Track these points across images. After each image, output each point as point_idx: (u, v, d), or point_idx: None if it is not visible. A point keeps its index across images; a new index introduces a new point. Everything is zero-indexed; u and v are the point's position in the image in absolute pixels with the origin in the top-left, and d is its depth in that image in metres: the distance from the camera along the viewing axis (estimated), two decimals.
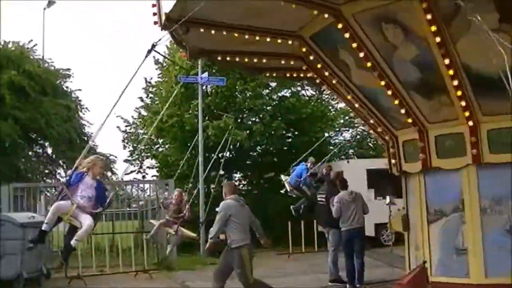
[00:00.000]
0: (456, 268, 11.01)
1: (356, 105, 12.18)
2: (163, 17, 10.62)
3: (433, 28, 9.58)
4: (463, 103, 10.35)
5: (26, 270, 15.21)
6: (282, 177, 21.39)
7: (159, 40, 10.23)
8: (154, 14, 11.03)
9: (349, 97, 12.15)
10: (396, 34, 10.17)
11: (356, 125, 32.28)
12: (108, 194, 10.81)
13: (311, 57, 12.33)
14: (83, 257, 18.18)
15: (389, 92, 10.87)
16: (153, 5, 11.05)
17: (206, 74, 23.79)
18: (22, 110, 24.02)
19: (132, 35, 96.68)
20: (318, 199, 16.06)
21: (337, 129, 32.49)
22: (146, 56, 9.80)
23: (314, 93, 31.26)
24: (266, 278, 16.49)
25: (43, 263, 16.38)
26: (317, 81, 14.04)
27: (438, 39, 9.69)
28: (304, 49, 12.08)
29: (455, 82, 10.10)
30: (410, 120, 11.24)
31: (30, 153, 27.65)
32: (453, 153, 10.94)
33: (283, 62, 13.56)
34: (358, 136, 33.79)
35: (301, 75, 14.50)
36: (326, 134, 29.84)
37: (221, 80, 24.63)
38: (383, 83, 10.87)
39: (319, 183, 17.85)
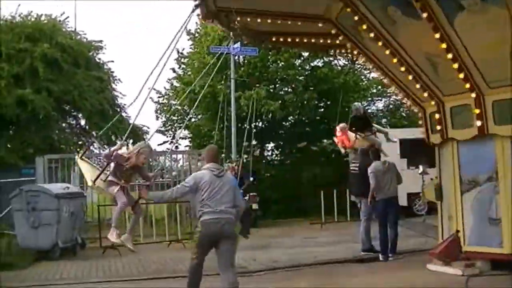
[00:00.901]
0: (489, 238, 10.96)
1: (402, 69, 11.80)
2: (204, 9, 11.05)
3: None
4: None
5: (61, 240, 15.42)
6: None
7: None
8: (196, 6, 11.33)
9: (394, 60, 11.79)
10: None
11: (389, 94, 32.07)
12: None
13: (356, 18, 12.08)
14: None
15: (449, 56, 10.49)
16: None
17: (238, 45, 23.74)
18: (55, 82, 24.17)
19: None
20: (351, 168, 15.95)
21: (370, 99, 32.28)
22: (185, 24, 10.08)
23: (346, 63, 31.06)
24: (298, 247, 16.65)
25: (78, 233, 16.58)
26: (347, 50, 14.07)
27: None
28: (348, 10, 11.74)
29: None
30: (468, 85, 10.79)
31: (63, 124, 27.87)
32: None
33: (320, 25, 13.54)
34: (391, 106, 33.61)
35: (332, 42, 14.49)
36: (356, 103, 29.67)
37: (254, 50, 24.58)
38: (444, 45, 10.44)
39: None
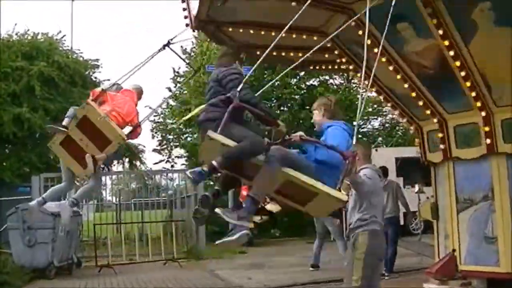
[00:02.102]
0: (486, 257, 10.94)
1: (406, 85, 11.73)
2: (193, 19, 10.94)
3: None
4: None
5: (57, 258, 15.39)
6: None
7: (175, 37, 10.54)
8: (185, 17, 11.31)
9: (398, 76, 11.75)
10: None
11: (385, 113, 32.16)
12: None
13: (360, 32, 12.09)
14: (113, 246, 18.37)
15: (463, 74, 10.37)
16: (184, 9, 11.31)
17: None
18: (52, 101, 24.24)
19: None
20: None
21: (366, 117, 32.37)
22: (159, 51, 10.07)
23: (342, 82, 31.17)
24: (295, 266, 16.63)
25: (74, 252, 16.56)
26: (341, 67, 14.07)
27: None
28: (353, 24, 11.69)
29: None
30: (479, 104, 10.63)
31: None
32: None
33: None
34: (387, 125, 33.69)
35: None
36: (355, 123, 29.71)
37: (249, 69, 24.61)
38: (458, 63, 10.31)
39: None
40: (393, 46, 10.79)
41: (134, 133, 10.21)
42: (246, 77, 7.28)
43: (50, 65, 24.69)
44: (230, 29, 12.18)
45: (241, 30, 11.79)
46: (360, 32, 10.73)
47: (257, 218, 7.85)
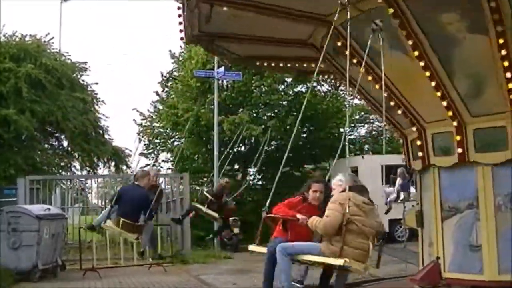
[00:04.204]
0: (470, 265, 11.00)
1: (385, 94, 11.86)
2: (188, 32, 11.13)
3: None
4: None
5: (41, 261, 15.33)
6: None
7: None
8: (181, 31, 11.48)
9: (377, 86, 11.88)
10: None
11: (371, 120, 32.27)
12: None
13: (339, 43, 12.31)
14: (98, 249, 18.30)
15: (433, 84, 10.54)
16: (180, 23, 11.48)
17: (222, 69, 23.84)
18: (39, 103, 24.15)
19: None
20: None
21: (353, 124, 32.46)
22: None
23: (329, 88, 31.26)
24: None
25: (58, 255, 16.50)
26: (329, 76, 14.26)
27: None
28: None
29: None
30: (450, 113, 10.82)
31: (46, 145, 27.84)
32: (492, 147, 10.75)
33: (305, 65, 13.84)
34: (373, 132, 33.80)
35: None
36: (342, 130, 29.85)
37: (237, 75, 24.69)
38: (428, 73, 10.51)
39: None
40: (370, 57, 10.88)
41: None
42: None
43: (38, 67, 24.62)
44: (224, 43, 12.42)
45: (232, 43, 11.99)
46: (339, 44, 10.95)
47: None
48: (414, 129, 11.77)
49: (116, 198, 13.65)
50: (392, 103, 11.52)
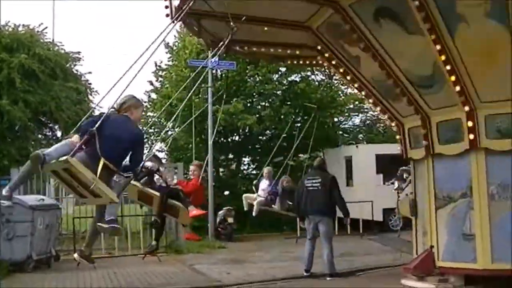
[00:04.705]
0: (463, 253, 11.03)
1: (390, 81, 11.65)
2: (173, 10, 10.81)
3: None
4: None
5: (36, 252, 15.31)
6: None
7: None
8: (166, 7, 11.18)
9: (383, 72, 11.69)
10: None
11: (365, 110, 32.26)
12: None
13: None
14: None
15: (448, 67, 10.40)
16: None
17: (216, 58, 23.74)
18: (32, 93, 24.04)
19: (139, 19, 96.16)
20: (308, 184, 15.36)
21: (347, 114, 32.46)
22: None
23: (324, 78, 31.24)
24: (273, 261, 16.65)
25: (53, 245, 16.47)
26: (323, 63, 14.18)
27: None
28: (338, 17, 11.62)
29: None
30: (462, 99, 10.66)
31: (40, 136, 27.74)
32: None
33: (297, 52, 13.71)
34: (367, 122, 33.81)
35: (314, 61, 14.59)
36: (336, 119, 29.85)
37: (231, 65, 24.62)
38: (443, 57, 10.41)
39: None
40: (379, 41, 10.80)
41: None
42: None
43: (31, 57, 24.50)
44: (211, 24, 12.05)
45: (222, 24, 11.52)
46: (348, 27, 10.82)
47: None
48: (418, 116, 11.63)
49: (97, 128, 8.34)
50: (397, 90, 11.40)
